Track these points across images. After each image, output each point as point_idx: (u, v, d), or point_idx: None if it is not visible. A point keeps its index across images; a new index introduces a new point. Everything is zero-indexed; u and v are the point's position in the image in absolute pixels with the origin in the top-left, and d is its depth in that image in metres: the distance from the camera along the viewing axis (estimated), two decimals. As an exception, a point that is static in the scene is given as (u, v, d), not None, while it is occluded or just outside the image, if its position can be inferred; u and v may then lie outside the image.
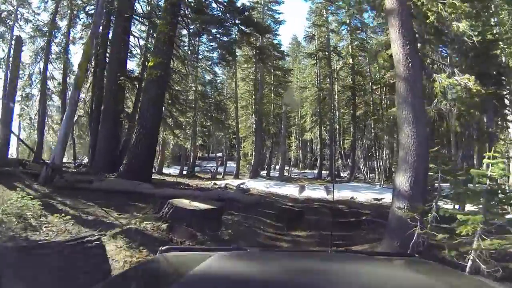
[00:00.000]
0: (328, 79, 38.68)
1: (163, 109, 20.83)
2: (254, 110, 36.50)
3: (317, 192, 21.97)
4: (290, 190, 22.43)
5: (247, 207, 12.80)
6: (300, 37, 55.05)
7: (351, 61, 37.21)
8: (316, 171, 40.56)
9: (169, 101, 23.84)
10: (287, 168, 42.26)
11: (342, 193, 21.00)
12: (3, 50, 26.98)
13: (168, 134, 30.51)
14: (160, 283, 1.91)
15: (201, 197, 11.14)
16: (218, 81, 39.00)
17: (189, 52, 26.11)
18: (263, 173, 39.02)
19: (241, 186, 21.08)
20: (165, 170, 34.59)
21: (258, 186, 23.31)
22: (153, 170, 24.10)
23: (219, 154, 47.47)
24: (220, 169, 36.74)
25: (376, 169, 37.69)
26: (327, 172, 38.79)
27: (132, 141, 17.46)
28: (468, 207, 7.66)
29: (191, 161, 37.39)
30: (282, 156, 34.63)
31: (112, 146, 20.22)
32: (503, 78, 13.83)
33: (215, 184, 21.66)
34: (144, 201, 11.80)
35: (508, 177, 15.38)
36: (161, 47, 17.96)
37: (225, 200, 12.26)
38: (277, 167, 40.08)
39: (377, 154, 38.29)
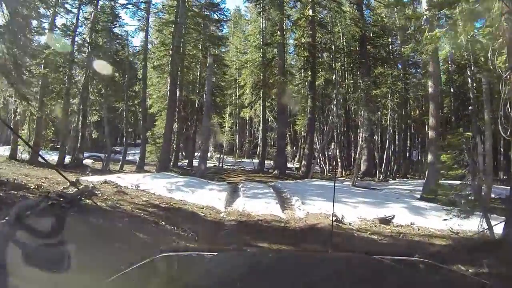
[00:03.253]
0: (278, 33, 27.08)
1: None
2: (169, 71, 25.12)
3: (262, 203, 12.37)
4: (211, 197, 13.30)
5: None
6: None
7: (310, 12, 27.10)
8: (256, 160, 31.37)
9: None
10: (218, 156, 33.61)
11: (306, 204, 12.30)
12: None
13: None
14: (160, 283, 1.90)
15: None
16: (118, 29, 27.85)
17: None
18: (184, 163, 28.75)
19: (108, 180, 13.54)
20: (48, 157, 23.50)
21: (156, 187, 13.82)
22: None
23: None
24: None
25: (340, 160, 29.36)
26: (272, 162, 29.27)
27: None
28: None
29: (79, 145, 24.76)
30: (204, 139, 22.88)
31: None
32: None
33: (76, 183, 10.89)
34: None
35: None
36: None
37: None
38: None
39: (348, 138, 30.59)
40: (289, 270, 1.95)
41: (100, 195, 10.32)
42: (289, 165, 29.09)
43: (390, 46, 31.39)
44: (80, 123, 24.32)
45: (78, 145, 24.28)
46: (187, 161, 29.37)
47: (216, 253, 2.35)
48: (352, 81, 28.48)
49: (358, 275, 1.89)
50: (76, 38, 23.72)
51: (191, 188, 14.14)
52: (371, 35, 30.11)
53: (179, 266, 2.15)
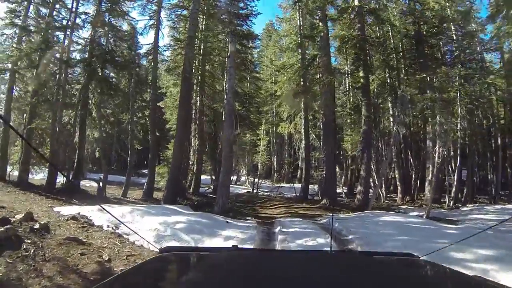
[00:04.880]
0: (319, 24, 21.78)
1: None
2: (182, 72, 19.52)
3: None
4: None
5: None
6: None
7: (356, 2, 21.92)
8: (298, 185, 26.98)
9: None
10: (253, 180, 29.11)
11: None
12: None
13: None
14: (160, 283, 1.86)
15: None
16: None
17: None
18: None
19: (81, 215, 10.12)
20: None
21: (144, 228, 9.46)
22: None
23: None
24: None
25: (399, 182, 24.30)
26: (316, 187, 25.06)
27: None
28: None
29: (76, 163, 19.77)
30: (225, 157, 16.12)
31: None
32: None
33: (28, 218, 8.41)
34: None
35: None
36: None
37: None
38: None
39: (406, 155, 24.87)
40: (289, 270, 1.92)
41: (39, 242, 7.23)
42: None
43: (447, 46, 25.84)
44: (77, 138, 19.60)
45: (75, 164, 19.56)
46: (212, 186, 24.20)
47: (216, 253, 2.34)
48: (415, 80, 22.35)
49: (358, 275, 1.86)
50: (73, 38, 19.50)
51: (196, 236, 9.12)
52: (426, 32, 24.16)
53: (179, 266, 2.11)
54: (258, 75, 28.70)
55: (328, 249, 2.94)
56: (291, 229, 10.70)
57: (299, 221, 13.20)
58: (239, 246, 2.85)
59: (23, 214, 8.55)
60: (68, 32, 19.21)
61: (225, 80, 22.18)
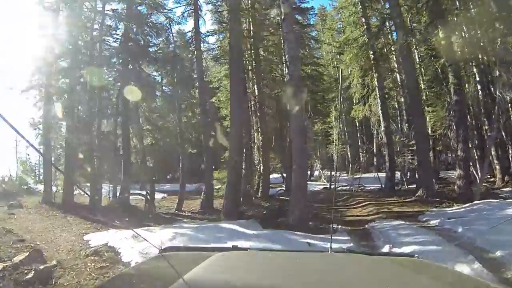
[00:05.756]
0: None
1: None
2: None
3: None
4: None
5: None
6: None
7: None
8: (382, 175, 22.56)
9: None
10: (329, 174, 26.68)
11: None
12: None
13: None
14: (160, 283, 1.77)
15: None
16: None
17: None
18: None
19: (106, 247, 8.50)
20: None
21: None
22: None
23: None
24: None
25: (497, 161, 19.65)
26: (400, 174, 21.86)
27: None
28: None
29: (122, 175, 17.54)
30: (297, 149, 11.94)
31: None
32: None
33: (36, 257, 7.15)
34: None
35: None
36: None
37: None
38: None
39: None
40: (289, 270, 1.94)
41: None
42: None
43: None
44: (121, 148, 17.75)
45: (121, 178, 17.44)
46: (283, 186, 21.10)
47: (216, 253, 2.22)
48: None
49: (358, 275, 1.88)
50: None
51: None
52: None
53: (179, 266, 1.84)
54: (318, 60, 26.58)
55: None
56: (403, 246, 7.25)
57: (402, 225, 10.06)
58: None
59: (27, 254, 7.16)
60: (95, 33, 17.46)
61: (284, 62, 18.93)
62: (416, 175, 19.25)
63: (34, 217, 14.24)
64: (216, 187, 18.36)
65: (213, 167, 18.96)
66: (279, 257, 2.48)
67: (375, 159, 27.85)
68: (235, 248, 2.67)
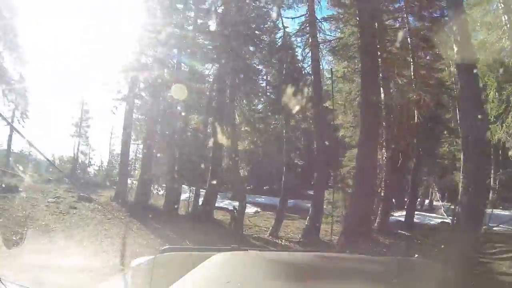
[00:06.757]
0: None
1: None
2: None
3: None
4: None
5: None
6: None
7: None
8: None
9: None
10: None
11: None
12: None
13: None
14: (160, 283, 1.88)
15: None
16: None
17: None
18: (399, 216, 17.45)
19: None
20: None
21: None
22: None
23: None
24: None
25: None
26: None
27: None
28: None
29: (208, 182, 15.46)
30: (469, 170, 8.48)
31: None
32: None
33: None
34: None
35: None
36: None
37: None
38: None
39: None
40: (289, 270, 1.98)
41: None
42: None
43: None
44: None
45: (207, 184, 15.47)
46: (402, 213, 17.14)
47: (216, 253, 2.26)
48: None
49: (358, 274, 1.92)
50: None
51: None
52: None
53: (179, 266, 2.03)
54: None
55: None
56: None
57: None
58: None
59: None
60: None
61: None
62: None
63: (92, 216, 13.41)
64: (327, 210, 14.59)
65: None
66: (279, 257, 2.64)
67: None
68: (234, 248, 2.60)
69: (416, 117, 16.38)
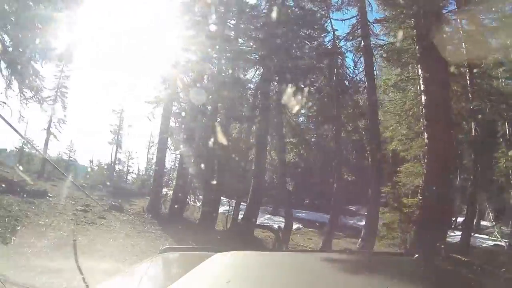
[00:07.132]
0: None
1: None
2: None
3: None
4: None
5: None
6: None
7: None
8: None
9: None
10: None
11: None
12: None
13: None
14: (160, 283, 1.96)
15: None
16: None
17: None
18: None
19: None
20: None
21: None
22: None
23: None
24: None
25: None
26: None
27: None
28: None
29: (250, 196, 14.29)
30: None
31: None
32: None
33: None
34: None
35: None
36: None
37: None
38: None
39: None
40: (288, 270, 1.98)
41: None
42: None
43: None
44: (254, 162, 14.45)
45: (248, 198, 14.36)
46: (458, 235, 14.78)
47: (215, 253, 2.29)
48: None
49: (358, 274, 1.95)
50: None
51: None
52: None
53: (179, 266, 2.17)
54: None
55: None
56: None
57: None
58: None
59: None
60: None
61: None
62: None
63: (120, 229, 12.95)
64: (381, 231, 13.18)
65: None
66: (278, 257, 2.68)
67: None
68: (234, 249, 2.59)
69: (473, 129, 14.85)
